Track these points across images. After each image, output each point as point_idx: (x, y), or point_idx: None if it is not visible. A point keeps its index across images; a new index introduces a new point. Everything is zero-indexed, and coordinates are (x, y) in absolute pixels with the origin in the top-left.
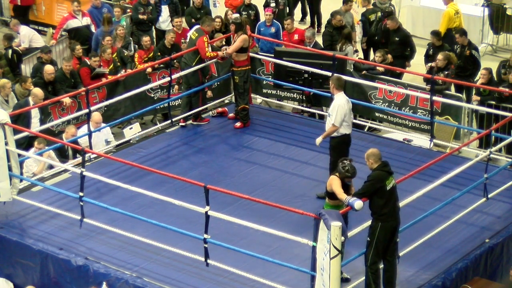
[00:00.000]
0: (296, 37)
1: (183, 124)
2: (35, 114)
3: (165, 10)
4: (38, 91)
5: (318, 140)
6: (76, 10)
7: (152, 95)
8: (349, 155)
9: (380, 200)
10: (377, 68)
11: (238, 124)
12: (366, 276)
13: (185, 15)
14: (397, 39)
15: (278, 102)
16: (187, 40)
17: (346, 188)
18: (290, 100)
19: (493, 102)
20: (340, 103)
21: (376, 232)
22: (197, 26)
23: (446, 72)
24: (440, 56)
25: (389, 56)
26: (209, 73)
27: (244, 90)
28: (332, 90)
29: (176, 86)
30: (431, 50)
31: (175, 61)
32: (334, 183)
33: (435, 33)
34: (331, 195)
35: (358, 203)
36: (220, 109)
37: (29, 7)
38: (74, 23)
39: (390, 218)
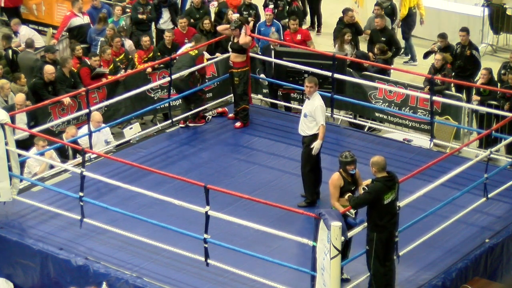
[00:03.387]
0: (299, 37)
1: (182, 125)
2: (20, 120)
3: (165, 12)
4: (19, 97)
5: (317, 145)
6: (81, 8)
7: (152, 95)
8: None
9: (376, 213)
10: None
11: (238, 124)
12: (369, 283)
13: (184, 15)
14: (383, 39)
15: (278, 102)
16: (181, 51)
17: (353, 178)
18: (291, 100)
19: (494, 102)
20: (320, 103)
21: (374, 241)
22: (191, 44)
23: (443, 72)
24: (438, 56)
25: (389, 52)
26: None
27: (244, 91)
28: (312, 92)
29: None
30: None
31: (175, 61)
32: (333, 184)
33: (441, 35)
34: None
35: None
36: (220, 109)
37: (19, 8)
38: (77, 21)
39: (386, 229)
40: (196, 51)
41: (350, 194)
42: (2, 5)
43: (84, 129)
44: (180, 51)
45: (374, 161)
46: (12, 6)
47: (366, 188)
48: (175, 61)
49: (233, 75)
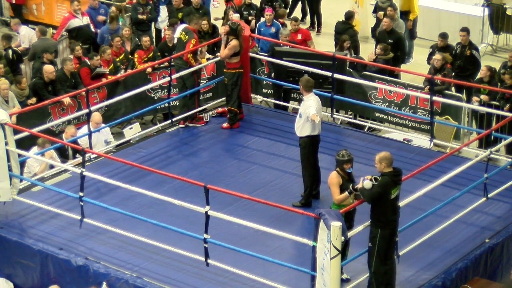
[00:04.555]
0: (299, 36)
1: (182, 126)
2: None
3: (163, 10)
4: None
5: (315, 118)
6: (77, 9)
7: (152, 95)
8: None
9: (380, 208)
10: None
11: (225, 124)
12: (369, 281)
13: (183, 15)
14: (390, 41)
15: (280, 103)
16: (175, 41)
17: (349, 177)
18: (290, 100)
19: (494, 102)
20: (313, 103)
21: (377, 238)
22: (183, 26)
23: (443, 72)
24: (438, 56)
25: (391, 53)
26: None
27: (232, 92)
28: (303, 91)
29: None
30: (436, 51)
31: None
32: (332, 182)
33: (441, 35)
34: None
35: (366, 183)
36: (220, 109)
37: (22, 6)
38: (76, 22)
39: (389, 226)
40: (187, 36)
41: (356, 187)
42: (13, 1)
43: (84, 129)
44: (175, 36)
45: (383, 156)
46: (20, 3)
47: (373, 181)
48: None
49: (224, 74)
